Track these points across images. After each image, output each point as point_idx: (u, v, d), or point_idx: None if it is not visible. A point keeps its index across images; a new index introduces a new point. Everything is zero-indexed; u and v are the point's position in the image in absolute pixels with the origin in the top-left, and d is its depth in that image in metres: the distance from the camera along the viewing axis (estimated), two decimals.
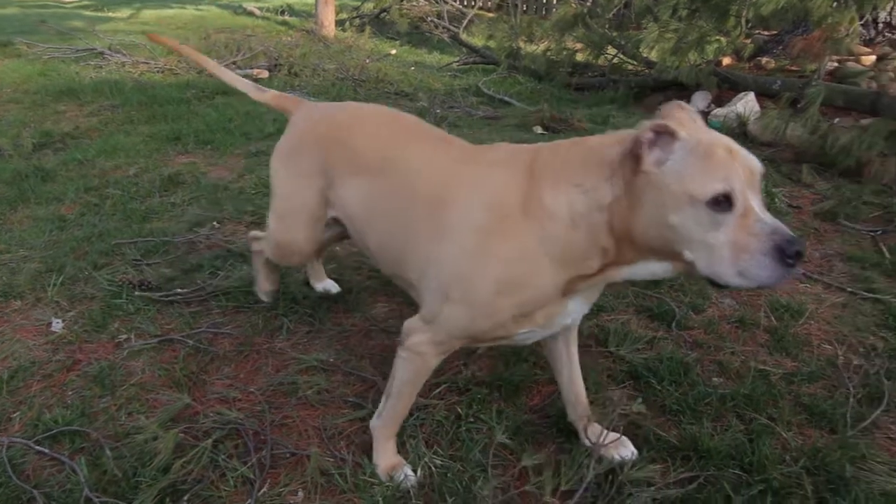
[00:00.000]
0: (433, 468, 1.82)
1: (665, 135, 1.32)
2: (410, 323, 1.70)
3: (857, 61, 5.72)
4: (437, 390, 2.12)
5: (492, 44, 8.16)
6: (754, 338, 2.51)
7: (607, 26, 6.95)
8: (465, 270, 1.54)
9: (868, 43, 6.14)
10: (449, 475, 1.80)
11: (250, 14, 12.00)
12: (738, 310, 2.67)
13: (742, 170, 1.30)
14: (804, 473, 1.83)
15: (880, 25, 6.21)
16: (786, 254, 1.25)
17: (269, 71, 6.97)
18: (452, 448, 1.91)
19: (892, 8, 6.02)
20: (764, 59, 6.32)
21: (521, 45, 7.72)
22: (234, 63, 6.92)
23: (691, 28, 5.63)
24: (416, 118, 1.96)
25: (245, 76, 3.60)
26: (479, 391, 2.12)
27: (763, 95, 5.26)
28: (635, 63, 6.80)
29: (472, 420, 2.01)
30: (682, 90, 6.05)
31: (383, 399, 1.82)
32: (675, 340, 2.46)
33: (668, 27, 5.66)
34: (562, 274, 1.49)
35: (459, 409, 2.03)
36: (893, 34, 5.85)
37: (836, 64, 5.72)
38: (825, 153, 4.12)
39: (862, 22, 6.12)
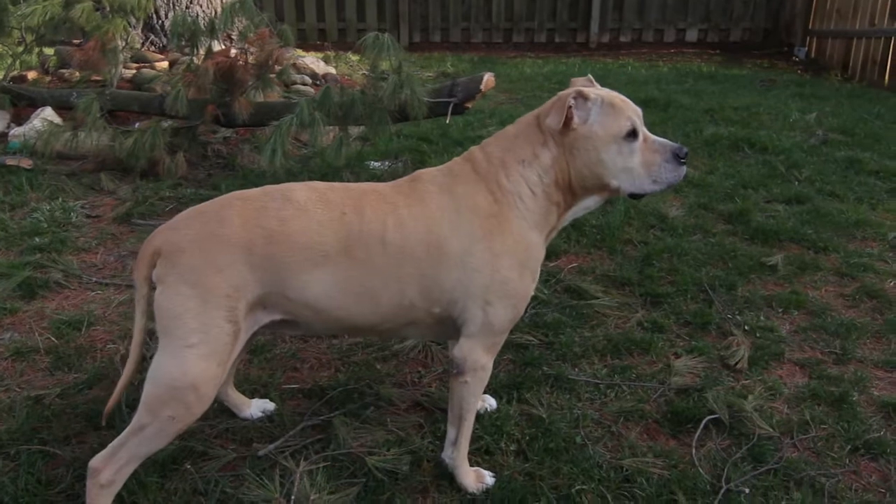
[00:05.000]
0: None
1: (580, 98, 1.76)
2: (460, 349, 1.83)
3: (153, 67, 6.13)
4: None
5: None
6: (35, 365, 2.43)
7: None
8: (491, 274, 1.75)
9: (162, 50, 6.64)
10: None
11: None
12: (15, 342, 2.53)
13: (633, 110, 1.79)
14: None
15: (169, 34, 6.74)
16: (679, 156, 1.78)
17: None
18: None
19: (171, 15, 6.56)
20: (67, 72, 6.17)
21: None
22: None
23: None
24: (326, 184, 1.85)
25: None
26: None
27: (64, 109, 5.13)
28: None
29: None
30: None
31: (451, 430, 1.94)
32: None
33: None
34: (541, 234, 1.85)
35: None
36: (182, 42, 6.41)
37: (135, 70, 6.01)
38: (121, 159, 4.29)
39: (149, 28, 6.59)
